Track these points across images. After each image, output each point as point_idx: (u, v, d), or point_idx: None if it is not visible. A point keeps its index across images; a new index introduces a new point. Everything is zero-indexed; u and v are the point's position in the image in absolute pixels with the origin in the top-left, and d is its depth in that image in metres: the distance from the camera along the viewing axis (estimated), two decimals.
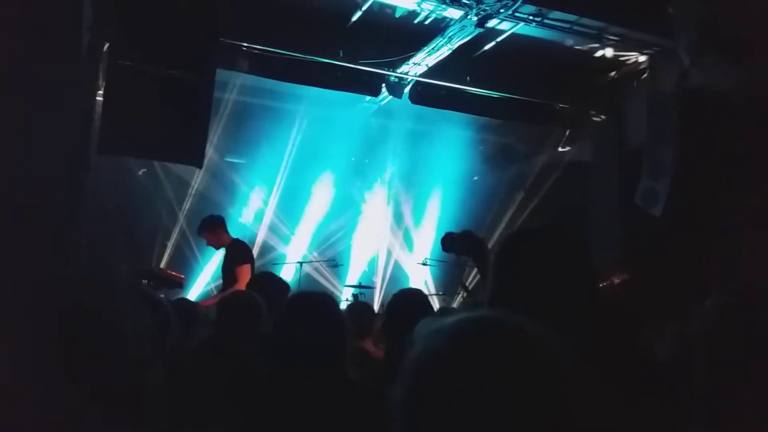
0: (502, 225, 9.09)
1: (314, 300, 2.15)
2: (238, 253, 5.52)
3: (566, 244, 1.42)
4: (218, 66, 5.23)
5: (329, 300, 2.17)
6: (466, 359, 0.69)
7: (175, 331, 2.13)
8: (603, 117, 7.97)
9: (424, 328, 0.78)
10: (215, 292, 6.30)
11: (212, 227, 5.65)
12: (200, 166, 5.37)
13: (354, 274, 9.01)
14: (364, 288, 8.14)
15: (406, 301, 2.93)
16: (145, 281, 5.36)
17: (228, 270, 5.51)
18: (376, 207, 9.49)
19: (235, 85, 7.33)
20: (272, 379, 2.05)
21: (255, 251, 7.70)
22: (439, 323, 0.75)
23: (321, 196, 9.02)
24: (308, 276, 8.24)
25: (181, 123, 4.91)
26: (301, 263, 7.87)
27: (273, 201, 8.71)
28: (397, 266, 9.38)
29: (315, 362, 1.99)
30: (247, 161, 8.70)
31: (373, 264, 9.34)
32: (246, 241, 5.97)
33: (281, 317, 2.12)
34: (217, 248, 5.92)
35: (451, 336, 0.72)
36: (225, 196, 8.41)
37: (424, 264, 8.65)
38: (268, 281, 3.98)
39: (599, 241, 7.45)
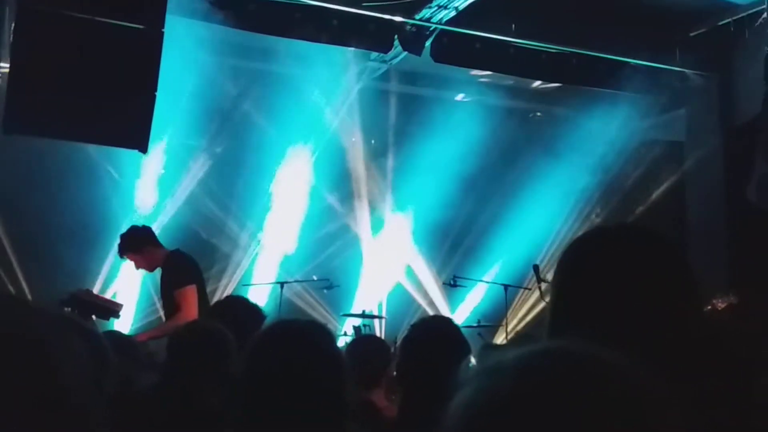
0: (562, 235, 9.10)
1: (300, 331, 2.11)
2: (177, 271, 5.43)
3: (656, 248, 1.41)
4: (171, 13, 5.27)
5: (321, 331, 2.15)
6: (536, 403, 0.71)
7: (115, 376, 2.13)
8: (701, 80, 7.96)
9: (474, 368, 0.79)
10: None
11: (135, 245, 5.54)
12: (144, 151, 5.40)
13: (355, 300, 9.05)
14: (370, 318, 8.16)
15: (431, 334, 2.86)
16: (65, 308, 5.32)
17: (167, 295, 5.45)
18: (381, 206, 9.52)
19: (195, 40, 7.41)
20: None
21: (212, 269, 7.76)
22: (495, 360, 0.78)
23: (304, 189, 9.05)
24: (290, 302, 8.27)
25: (118, 92, 4.97)
26: (281, 284, 7.91)
27: (236, 198, 8.76)
28: (415, 287, 9.39)
29: (303, 418, 1.97)
30: (208, 143, 8.76)
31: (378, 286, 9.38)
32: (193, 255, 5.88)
33: (255, 355, 2.10)
34: (150, 270, 5.79)
35: (515, 375, 0.74)
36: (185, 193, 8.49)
37: (451, 285, 8.67)
38: (235, 308, 4.01)
39: (699, 250, 7.44)
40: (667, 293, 1.37)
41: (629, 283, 1.36)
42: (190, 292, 5.25)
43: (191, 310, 5.10)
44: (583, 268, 1.42)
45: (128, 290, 7.90)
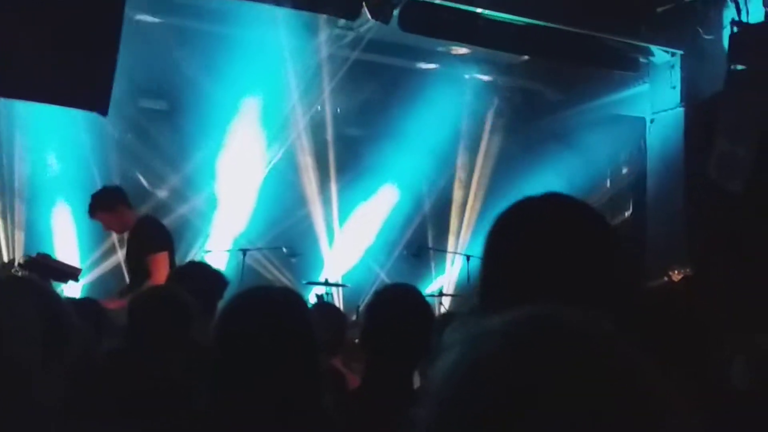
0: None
1: (275, 298, 2.09)
2: (149, 235, 5.41)
3: (582, 215, 1.44)
4: None
5: (295, 297, 2.13)
6: (523, 365, 0.71)
7: (77, 339, 2.10)
8: (667, 56, 8.05)
9: (455, 334, 0.80)
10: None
11: (108, 204, 5.47)
12: (105, 113, 5.31)
13: (317, 269, 9.05)
14: (333, 286, 8.18)
15: (395, 300, 2.85)
16: (18, 271, 5.24)
17: (136, 260, 5.41)
18: (345, 176, 9.50)
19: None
20: (213, 409, 2.00)
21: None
22: (479, 325, 0.78)
23: (265, 158, 8.98)
24: (251, 270, 8.24)
25: (79, 52, 4.87)
26: (243, 251, 7.87)
27: (194, 162, 8.67)
28: (371, 256, 9.40)
29: (278, 386, 1.94)
30: (168, 107, 8.64)
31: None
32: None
33: (225, 321, 2.06)
34: (120, 232, 5.82)
35: (501, 338, 0.75)
36: (140, 157, 8.36)
37: (415, 255, 8.73)
38: (197, 273, 4.00)
39: (658, 224, 7.60)
40: (596, 259, 1.40)
41: (557, 250, 1.38)
42: (162, 259, 5.20)
43: (161, 278, 5.00)
44: (510, 238, 1.43)
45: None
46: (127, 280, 5.86)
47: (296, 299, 2.14)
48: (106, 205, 5.47)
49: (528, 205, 1.46)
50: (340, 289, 8.57)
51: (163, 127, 8.62)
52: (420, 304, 2.88)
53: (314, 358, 2.05)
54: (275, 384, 1.94)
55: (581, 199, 1.49)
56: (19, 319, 0.99)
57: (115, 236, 7.50)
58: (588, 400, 0.69)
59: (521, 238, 1.41)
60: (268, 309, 2.02)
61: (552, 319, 0.77)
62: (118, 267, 7.76)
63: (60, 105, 5.62)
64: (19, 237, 7.72)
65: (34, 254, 5.43)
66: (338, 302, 8.34)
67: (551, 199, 1.47)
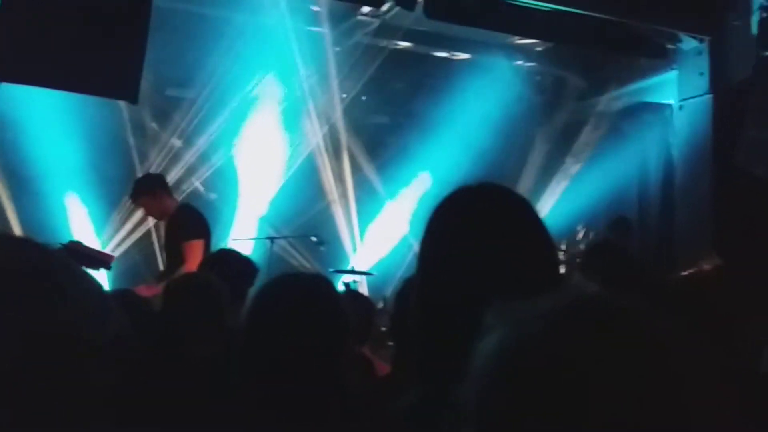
0: (547, 193, 9.19)
1: (307, 284, 2.09)
2: (186, 223, 5.54)
3: (512, 203, 1.49)
4: None
5: (326, 285, 2.14)
6: (567, 344, 0.75)
7: (114, 322, 2.15)
8: (695, 42, 7.97)
9: (497, 317, 0.82)
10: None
11: (150, 189, 5.68)
12: (135, 101, 5.37)
13: (343, 257, 9.09)
14: (361, 274, 8.20)
15: None
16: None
17: (173, 247, 5.55)
18: (374, 165, 9.51)
19: None
20: (245, 393, 2.02)
21: None
22: (520, 307, 0.81)
23: (290, 146, 9.02)
24: (278, 257, 8.30)
25: (108, 40, 4.91)
26: (271, 239, 7.92)
27: (219, 151, 8.73)
28: (398, 245, 9.41)
29: (309, 372, 1.95)
30: (193, 95, 8.71)
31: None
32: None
33: (258, 307, 2.07)
34: (160, 218, 5.99)
35: (546, 320, 0.78)
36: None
37: None
38: (228, 260, 4.05)
39: (686, 212, 7.54)
40: (527, 244, 1.45)
41: (490, 236, 1.43)
42: (198, 246, 5.32)
43: (195, 265, 5.08)
44: (442, 227, 1.49)
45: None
46: (162, 266, 5.99)
47: (328, 286, 2.15)
48: (148, 190, 5.68)
49: (461, 195, 1.52)
50: (365, 277, 8.62)
51: (188, 114, 8.68)
52: None
53: (346, 345, 2.07)
54: (306, 370, 1.95)
55: (510, 188, 1.56)
56: (90, 298, 1.03)
57: (126, 226, 7.71)
58: (628, 375, 0.72)
59: (456, 225, 1.47)
60: (300, 295, 2.03)
61: (591, 301, 0.81)
62: (127, 255, 7.93)
63: (89, 94, 5.68)
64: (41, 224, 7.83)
65: (66, 242, 5.52)
66: (364, 291, 8.38)
67: (483, 188, 1.53)
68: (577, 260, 7.68)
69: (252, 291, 3.96)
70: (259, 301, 2.10)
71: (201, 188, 8.74)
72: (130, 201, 5.91)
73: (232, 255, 4.26)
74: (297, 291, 2.06)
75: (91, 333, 1.03)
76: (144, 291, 5.16)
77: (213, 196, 8.81)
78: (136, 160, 8.44)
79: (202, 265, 4.37)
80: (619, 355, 0.74)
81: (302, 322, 1.98)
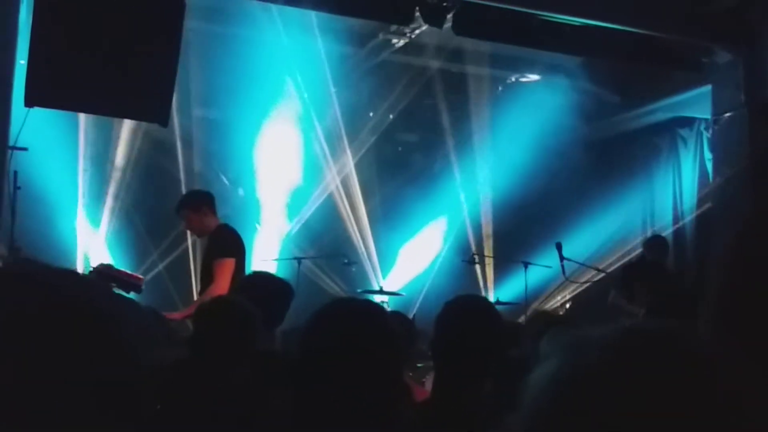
0: (580, 211, 9.08)
1: (361, 310, 2.13)
2: (220, 242, 5.64)
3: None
4: None
5: (379, 310, 2.19)
6: (622, 375, 0.75)
7: (156, 347, 2.17)
8: (729, 56, 7.87)
9: (553, 344, 0.83)
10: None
11: (195, 203, 5.78)
12: (165, 124, 5.41)
13: (365, 277, 9.04)
14: (389, 294, 8.16)
15: (468, 312, 2.87)
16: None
17: (206, 265, 5.65)
18: (397, 185, 9.48)
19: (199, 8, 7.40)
20: (295, 420, 2.06)
21: None
22: (576, 336, 0.82)
23: (318, 169, 9.03)
24: (306, 278, 8.27)
25: (139, 63, 4.95)
26: (299, 260, 7.91)
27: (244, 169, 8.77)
28: (423, 264, 9.35)
29: (361, 396, 1.98)
30: (224, 116, 8.76)
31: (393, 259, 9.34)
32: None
33: (311, 334, 2.10)
34: (199, 235, 6.12)
35: (600, 349, 0.78)
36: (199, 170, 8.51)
37: (470, 262, 8.67)
38: (263, 283, 4.05)
39: (723, 227, 7.40)
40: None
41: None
42: (228, 265, 5.39)
43: (224, 284, 5.20)
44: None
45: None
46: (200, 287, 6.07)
47: (379, 311, 2.21)
48: (193, 204, 5.81)
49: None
50: (387, 297, 8.57)
51: (214, 134, 8.75)
52: (491, 315, 2.91)
53: (397, 370, 2.10)
54: (358, 394, 1.98)
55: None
56: (137, 327, 1.03)
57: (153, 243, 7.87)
58: (682, 406, 0.73)
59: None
60: (353, 320, 2.07)
61: (647, 332, 0.81)
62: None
63: (121, 117, 5.75)
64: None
65: (97, 265, 5.57)
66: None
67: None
68: (614, 278, 7.62)
69: (291, 313, 3.98)
70: (312, 327, 2.12)
71: (226, 182, 8.78)
72: (175, 211, 6.03)
73: (267, 278, 4.26)
74: (351, 316, 2.10)
75: (147, 358, 1.04)
76: (176, 315, 5.24)
77: (241, 192, 8.83)
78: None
79: (237, 287, 4.38)
80: (678, 386, 0.74)
81: (355, 347, 2.01)
